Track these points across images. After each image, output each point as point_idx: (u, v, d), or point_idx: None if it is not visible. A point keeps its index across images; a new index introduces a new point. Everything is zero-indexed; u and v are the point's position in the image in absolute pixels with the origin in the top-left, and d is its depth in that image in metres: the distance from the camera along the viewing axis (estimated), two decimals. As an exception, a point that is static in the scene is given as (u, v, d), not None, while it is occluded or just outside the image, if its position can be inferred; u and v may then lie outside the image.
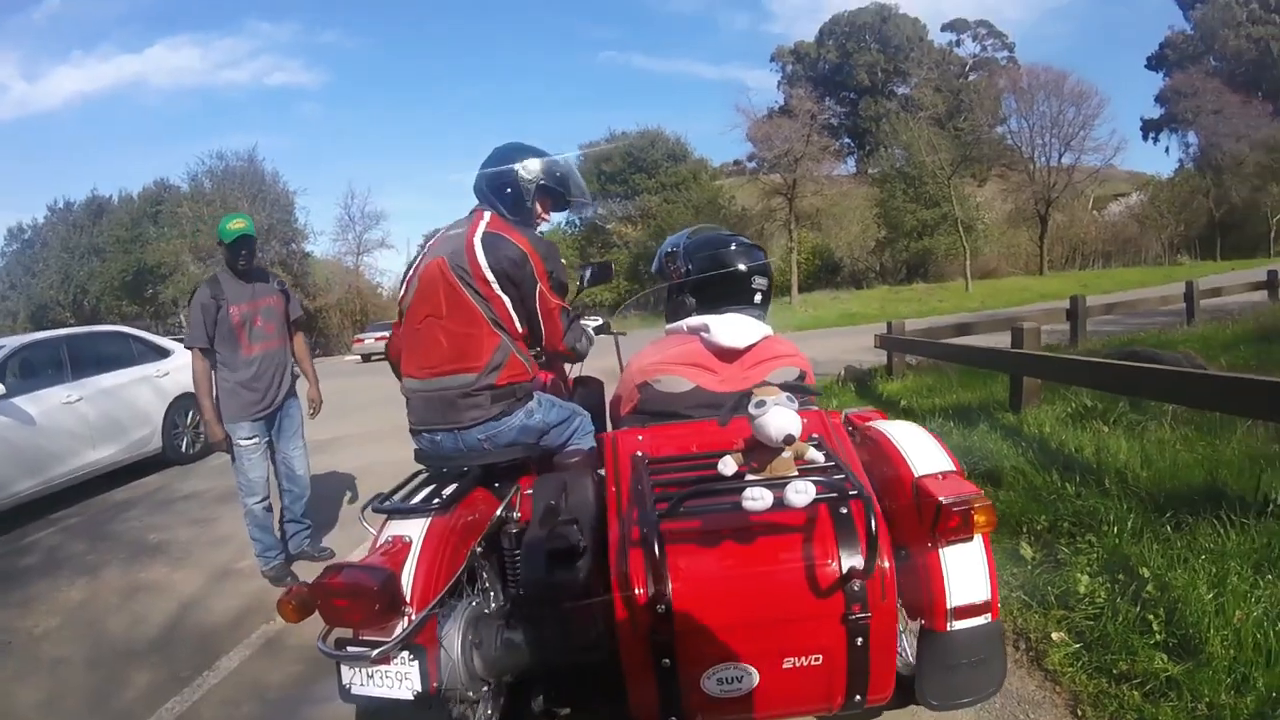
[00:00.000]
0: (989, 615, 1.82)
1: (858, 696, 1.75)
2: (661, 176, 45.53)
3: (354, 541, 4.81)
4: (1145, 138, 60.25)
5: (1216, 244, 49.29)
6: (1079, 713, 2.48)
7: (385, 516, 2.09)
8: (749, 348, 2.39)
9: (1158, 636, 2.64)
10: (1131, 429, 4.99)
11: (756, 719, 1.76)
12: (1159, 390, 4.45)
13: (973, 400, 6.94)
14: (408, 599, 1.83)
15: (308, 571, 4.27)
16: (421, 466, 2.57)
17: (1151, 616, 2.72)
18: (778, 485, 1.62)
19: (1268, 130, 46.28)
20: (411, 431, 2.58)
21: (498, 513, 2.24)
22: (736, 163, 58.31)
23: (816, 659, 1.70)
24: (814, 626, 1.68)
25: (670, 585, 1.63)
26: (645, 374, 2.41)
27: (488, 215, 2.61)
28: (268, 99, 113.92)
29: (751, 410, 1.75)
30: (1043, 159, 44.70)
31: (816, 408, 2.27)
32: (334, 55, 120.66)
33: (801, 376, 2.38)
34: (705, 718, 1.75)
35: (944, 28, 62.76)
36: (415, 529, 1.99)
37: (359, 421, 10.24)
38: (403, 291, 2.65)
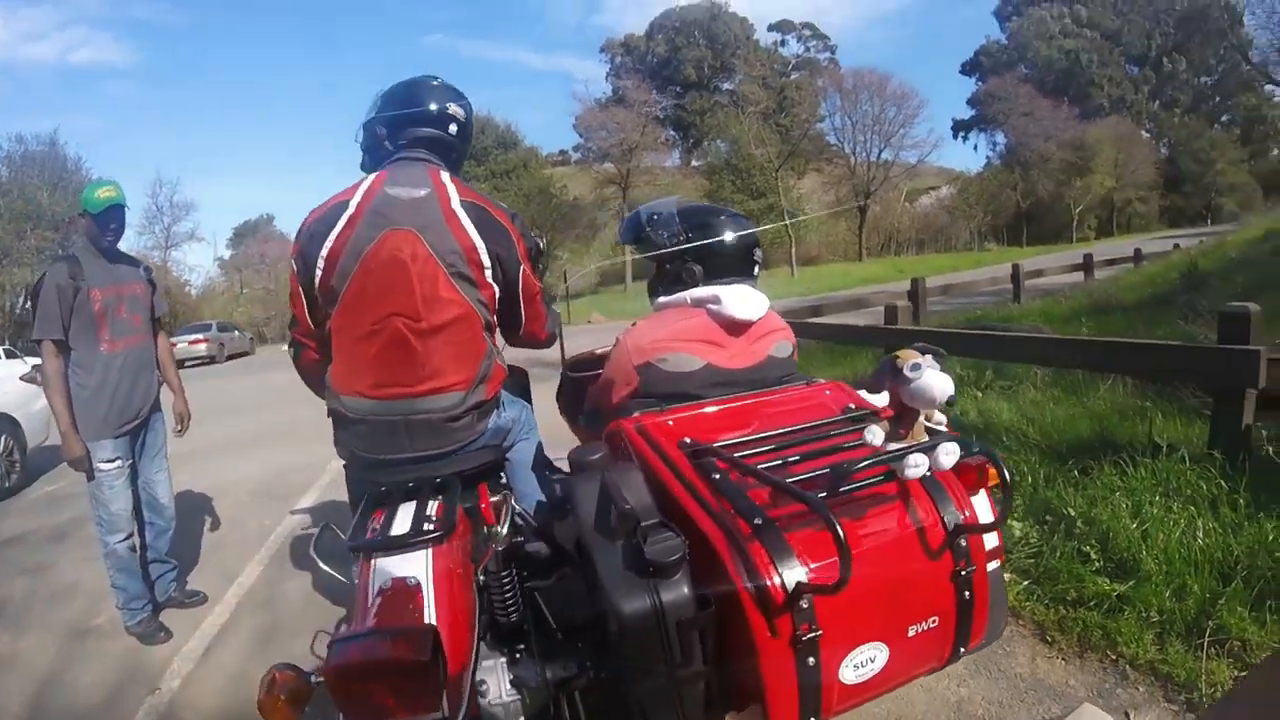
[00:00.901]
0: (999, 559, 1.82)
1: (962, 649, 1.70)
2: (491, 164, 43.91)
3: (225, 580, 4.18)
4: (955, 136, 66.43)
5: (1023, 232, 54.78)
6: (1048, 639, 2.80)
7: (363, 556, 1.72)
8: (757, 321, 2.25)
9: (1097, 564, 3.02)
10: (1004, 393, 5.49)
11: (882, 694, 1.67)
12: (1035, 356, 5.06)
13: (847, 375, 6.71)
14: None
15: (178, 622, 3.69)
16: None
17: (1087, 548, 3.09)
18: (928, 448, 1.56)
19: (1074, 131, 51.97)
20: (355, 462, 2.15)
21: (485, 531, 1.95)
22: (562, 152, 59.37)
23: (934, 621, 1.63)
24: (933, 589, 1.62)
25: (809, 573, 1.44)
26: (647, 353, 2.16)
27: (447, 177, 2.13)
28: (74, 76, 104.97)
29: (908, 373, 1.81)
30: (863, 154, 48.21)
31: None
32: (147, 31, 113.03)
33: (793, 349, 2.34)
34: (841, 708, 1.57)
35: (770, 27, 65.16)
36: (417, 567, 1.66)
37: (192, 433, 8.67)
38: (323, 277, 2.04)
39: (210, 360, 24.43)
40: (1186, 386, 4.45)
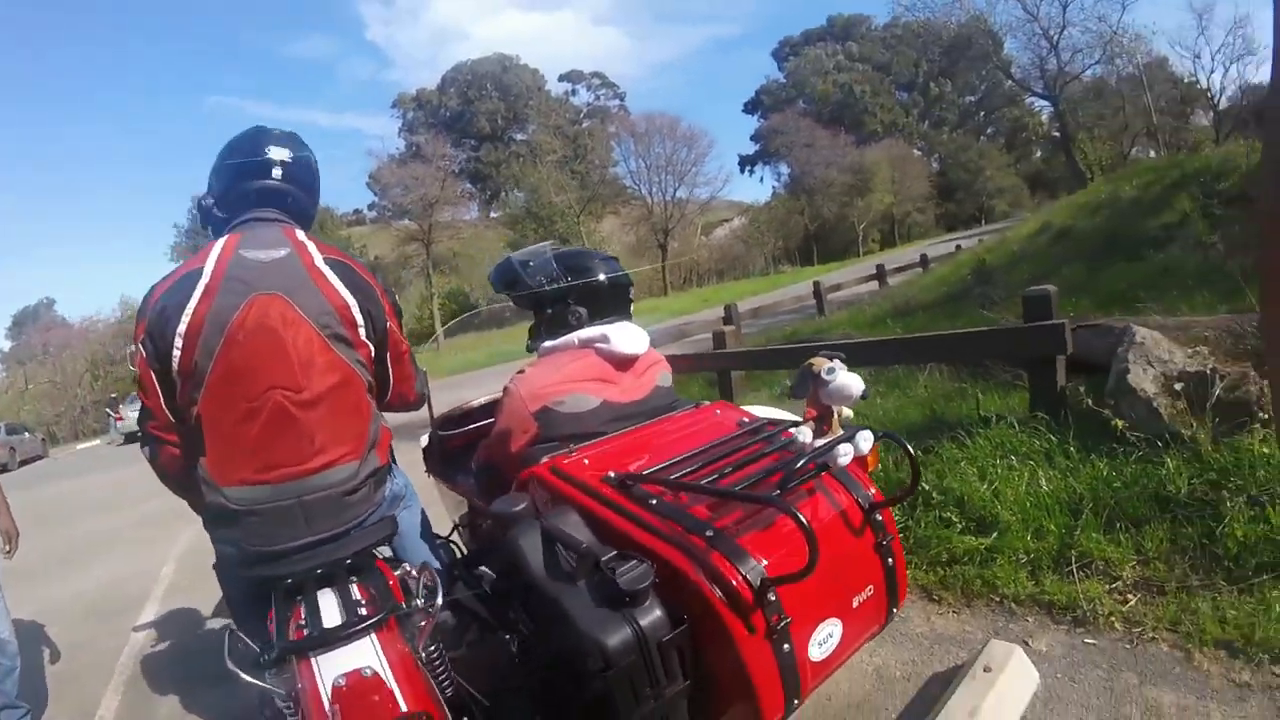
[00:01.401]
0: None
1: (894, 610, 1.91)
2: None
3: (85, 717, 3.64)
4: (743, 170, 69.87)
5: (813, 252, 57.75)
6: (936, 598, 3.03)
7: (299, 657, 1.53)
8: (642, 355, 2.38)
9: (960, 525, 3.27)
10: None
11: (842, 665, 1.83)
12: (859, 358, 5.09)
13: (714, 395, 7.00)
14: None
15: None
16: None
17: (948, 514, 3.35)
18: (848, 438, 1.76)
19: (853, 156, 56.12)
20: (245, 559, 1.85)
21: (404, 606, 1.71)
22: (357, 212, 58.03)
23: (870, 590, 1.82)
24: (864, 561, 1.82)
25: (765, 566, 1.58)
26: (541, 398, 2.18)
27: (303, 234, 2.01)
28: None
29: (825, 376, 1.97)
30: (659, 194, 49.68)
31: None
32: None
33: (670, 377, 2.46)
34: (813, 685, 1.70)
35: (561, 78, 66.58)
36: (367, 655, 1.52)
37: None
38: (183, 358, 1.81)
39: (2, 469, 21.35)
40: (996, 365, 4.94)
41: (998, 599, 2.90)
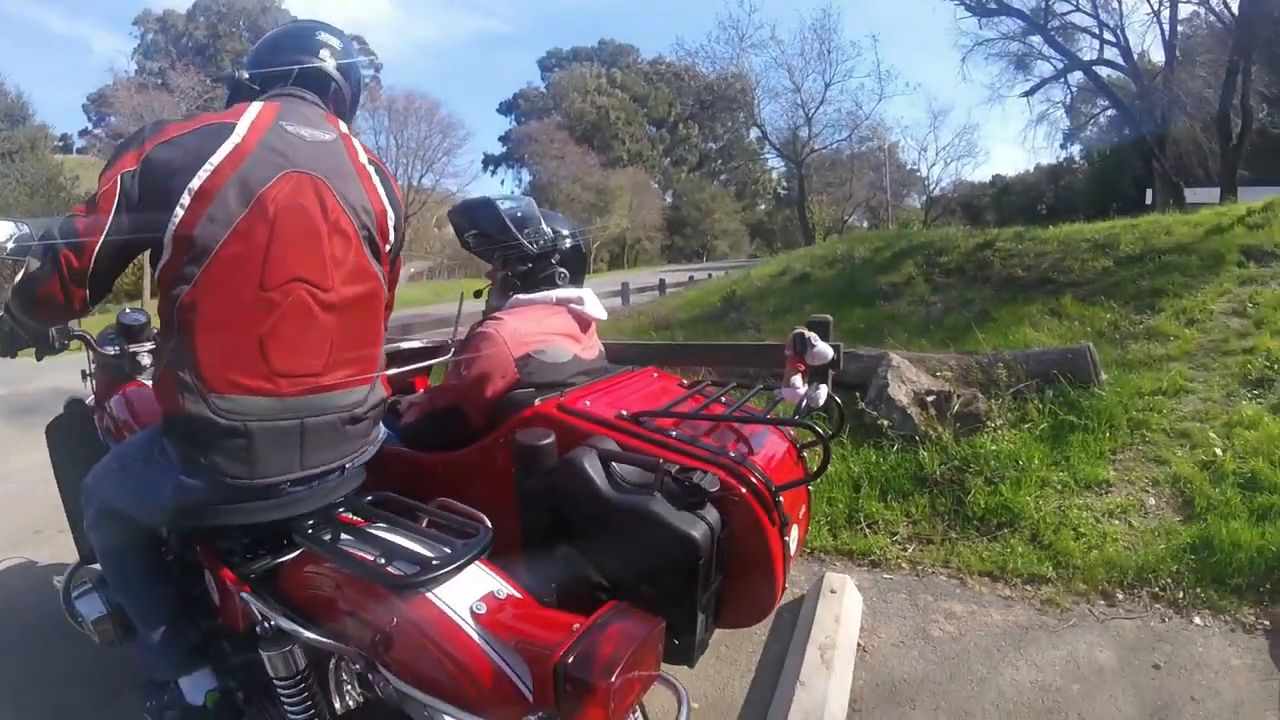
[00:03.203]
0: None
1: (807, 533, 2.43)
2: None
3: None
4: (485, 169, 68.25)
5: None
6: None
7: (408, 593, 1.34)
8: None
9: None
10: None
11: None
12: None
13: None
14: None
15: None
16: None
17: None
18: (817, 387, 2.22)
19: (599, 177, 57.21)
20: (216, 492, 1.55)
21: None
22: (64, 137, 49.11)
23: (802, 510, 2.20)
24: (802, 490, 2.13)
25: (776, 477, 1.87)
26: (526, 345, 2.22)
27: (345, 128, 1.78)
28: None
29: (813, 342, 2.29)
30: (403, 177, 47.07)
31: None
32: None
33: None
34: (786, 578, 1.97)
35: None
36: (486, 580, 1.43)
37: None
38: (184, 219, 1.47)
39: None
40: (762, 376, 5.68)
41: (808, 551, 3.47)
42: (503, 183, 69.95)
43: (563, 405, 2.02)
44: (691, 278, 20.72)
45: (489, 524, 1.51)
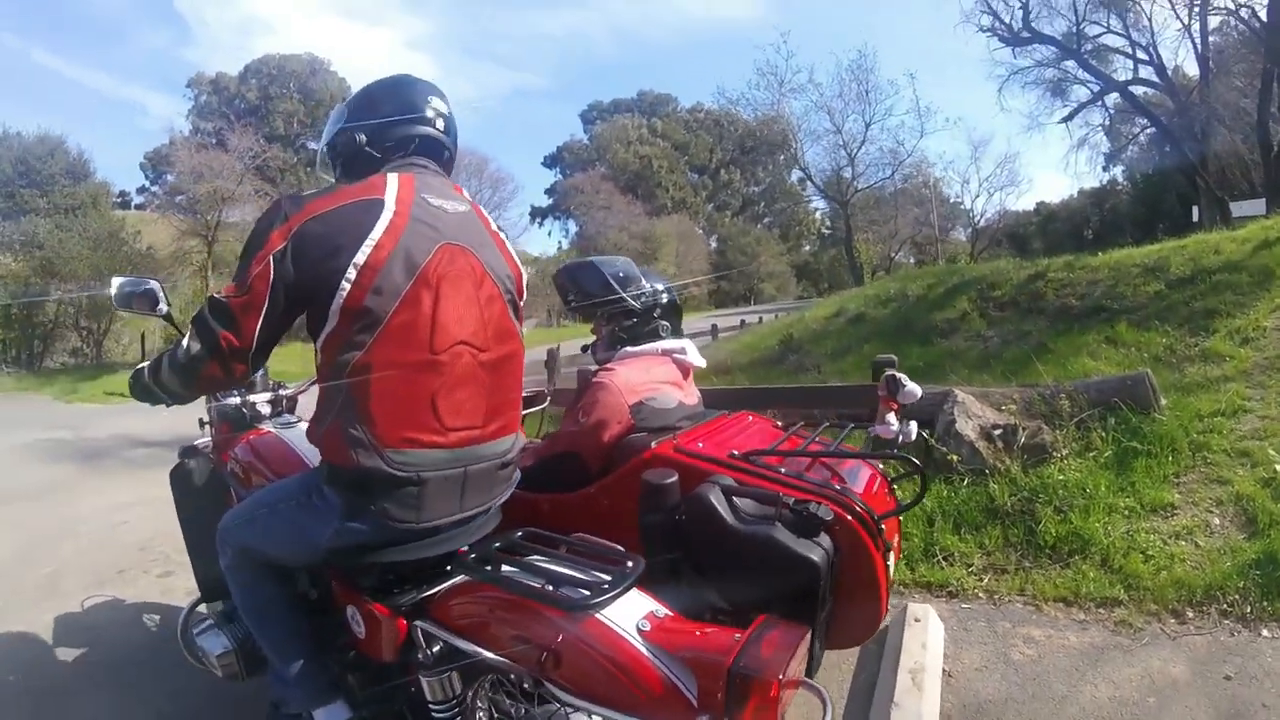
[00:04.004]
0: None
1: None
2: (56, 197, 36.48)
3: None
4: (533, 221, 69.22)
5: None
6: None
7: (581, 617, 1.46)
8: None
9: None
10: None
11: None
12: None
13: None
14: None
15: None
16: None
17: None
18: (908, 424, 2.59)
19: (644, 225, 57.34)
20: (382, 534, 1.71)
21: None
22: (123, 194, 51.49)
23: (897, 537, 2.36)
24: (894, 518, 2.23)
25: (866, 501, 2.04)
26: (639, 393, 2.41)
27: (468, 196, 1.94)
28: None
29: (904, 383, 2.59)
30: None
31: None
32: None
33: None
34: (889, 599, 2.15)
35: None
36: (646, 601, 1.55)
37: None
38: (353, 292, 1.61)
39: None
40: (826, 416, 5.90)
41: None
42: (550, 234, 72.24)
43: (678, 447, 2.19)
44: (743, 321, 21.05)
45: (633, 555, 1.62)
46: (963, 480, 4.30)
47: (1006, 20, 21.30)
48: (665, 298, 2.74)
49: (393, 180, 1.74)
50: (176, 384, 1.78)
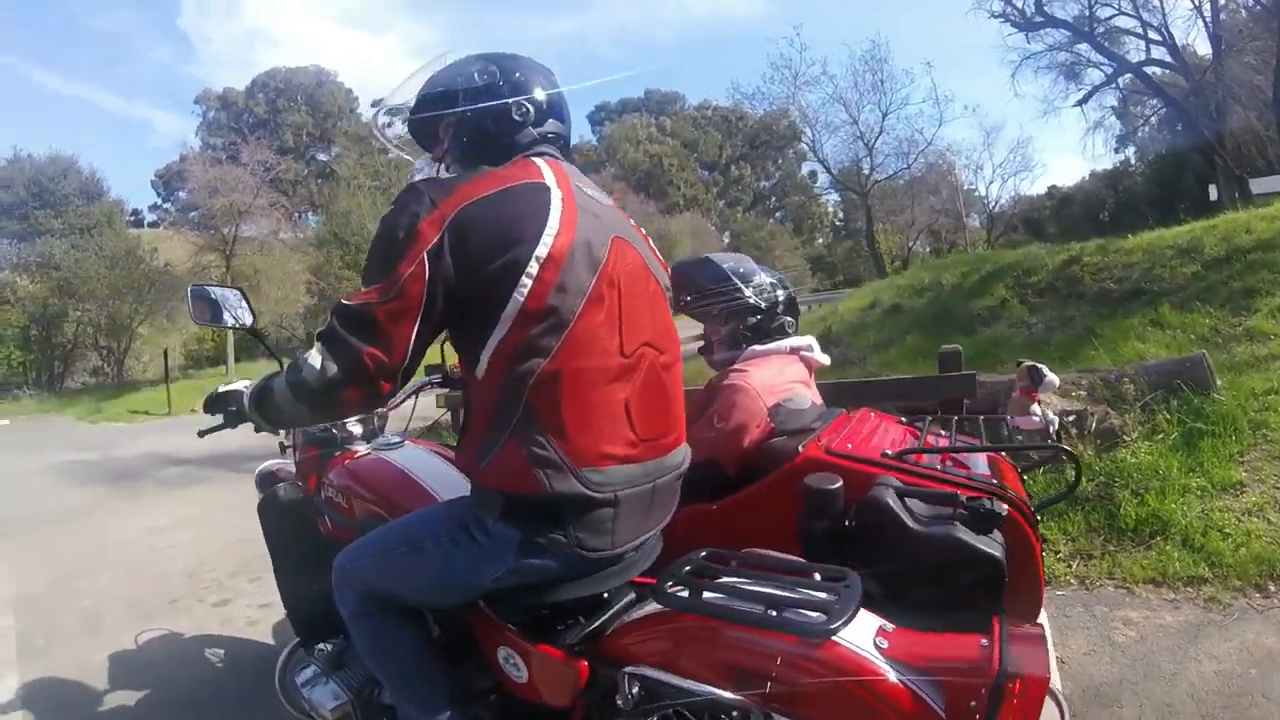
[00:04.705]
0: None
1: None
2: (71, 216, 36.52)
3: None
4: None
5: None
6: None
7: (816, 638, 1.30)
8: None
9: None
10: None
11: None
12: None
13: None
14: None
15: None
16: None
17: None
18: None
19: (658, 223, 56.52)
20: (571, 564, 1.51)
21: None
22: (135, 212, 51.57)
23: None
24: None
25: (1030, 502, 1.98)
26: (775, 395, 2.33)
27: None
28: None
29: (1046, 374, 2.77)
30: None
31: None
32: None
33: None
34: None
35: (374, 104, 62.46)
36: (873, 617, 1.41)
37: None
38: (535, 289, 1.40)
39: None
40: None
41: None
42: (561, 233, 71.29)
43: (829, 449, 2.05)
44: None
45: (842, 569, 1.50)
46: (1039, 469, 4.35)
47: (1019, 5, 21.33)
48: (783, 293, 2.61)
49: (543, 166, 1.54)
50: (301, 412, 1.54)
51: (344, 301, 1.42)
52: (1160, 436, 4.49)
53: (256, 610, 4.05)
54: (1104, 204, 39.47)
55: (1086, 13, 21.34)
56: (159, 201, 51.52)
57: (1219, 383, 4.93)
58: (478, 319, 1.42)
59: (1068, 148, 51.17)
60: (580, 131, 71.45)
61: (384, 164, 55.09)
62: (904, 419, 2.47)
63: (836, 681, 1.28)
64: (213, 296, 2.28)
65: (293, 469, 2.57)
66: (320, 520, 2.30)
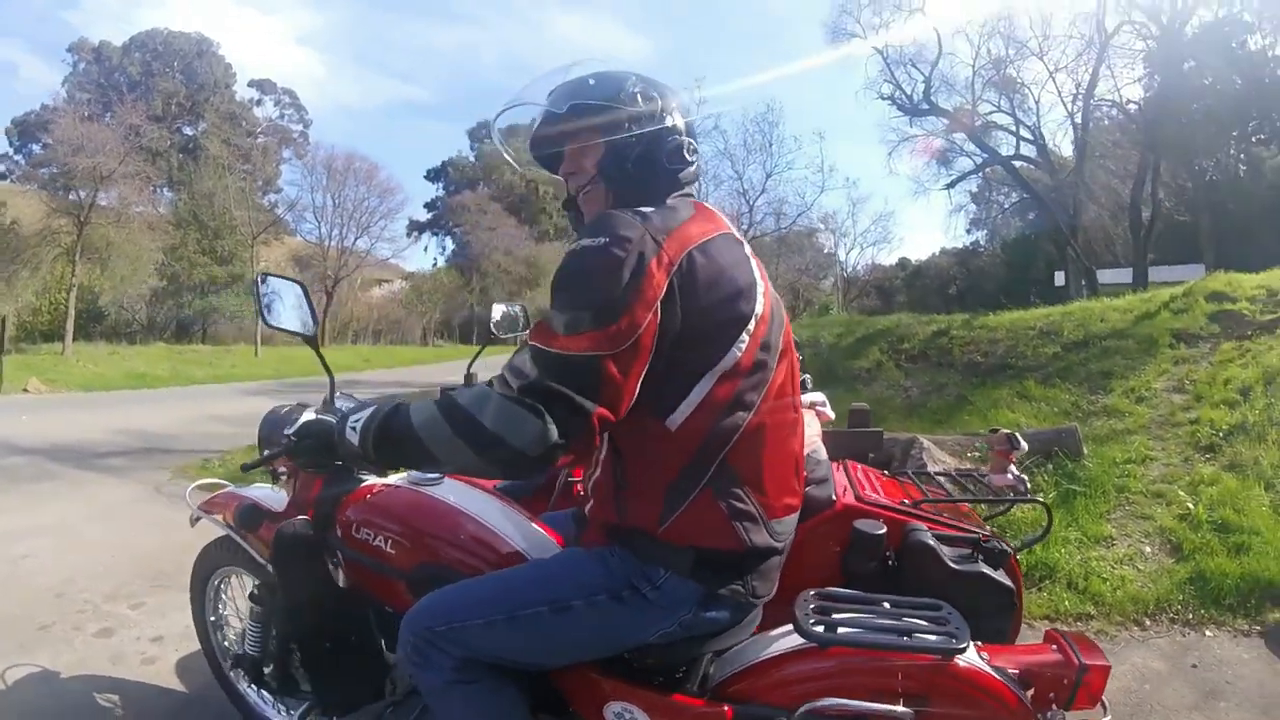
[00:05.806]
0: None
1: None
2: None
3: None
4: (408, 235, 65.94)
5: (472, 331, 56.78)
6: None
7: (953, 656, 1.49)
8: None
9: None
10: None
11: None
12: None
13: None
14: None
15: None
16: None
17: None
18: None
19: (530, 250, 57.41)
20: (747, 612, 1.54)
21: None
22: None
23: None
24: None
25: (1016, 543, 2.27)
26: (808, 448, 2.26)
27: None
28: None
29: (1020, 442, 2.90)
30: (336, 238, 45.93)
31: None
32: None
33: None
34: None
35: (251, 83, 59.51)
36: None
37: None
38: (750, 344, 1.39)
39: None
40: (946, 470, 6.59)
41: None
42: (426, 249, 70.28)
43: (860, 498, 2.29)
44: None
45: (932, 600, 1.67)
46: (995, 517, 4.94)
47: (907, 91, 23.03)
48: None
49: (712, 210, 1.50)
50: (468, 467, 1.39)
51: (551, 349, 1.25)
52: (1041, 495, 5.15)
53: (149, 645, 3.35)
54: (954, 279, 42.53)
55: (968, 106, 23.31)
56: (10, 152, 46.93)
57: (1086, 451, 5.72)
58: (686, 370, 1.35)
59: (925, 225, 54.61)
60: (459, 146, 69.79)
61: (255, 148, 52.46)
62: (886, 474, 2.83)
63: (968, 691, 1.50)
64: (278, 290, 2.01)
65: (247, 494, 2.29)
66: (336, 567, 1.96)
